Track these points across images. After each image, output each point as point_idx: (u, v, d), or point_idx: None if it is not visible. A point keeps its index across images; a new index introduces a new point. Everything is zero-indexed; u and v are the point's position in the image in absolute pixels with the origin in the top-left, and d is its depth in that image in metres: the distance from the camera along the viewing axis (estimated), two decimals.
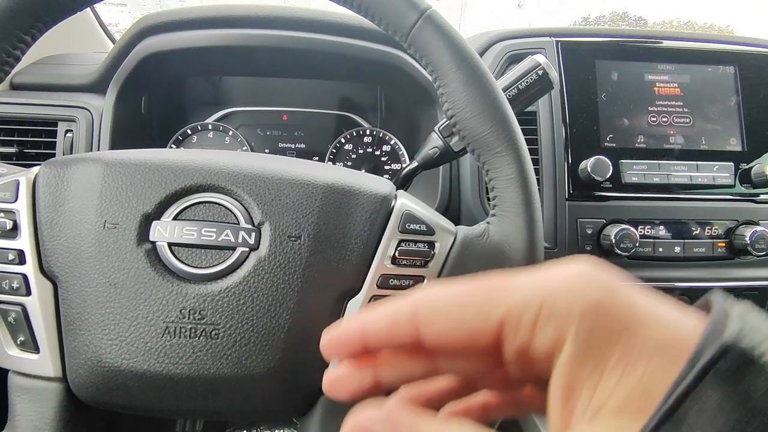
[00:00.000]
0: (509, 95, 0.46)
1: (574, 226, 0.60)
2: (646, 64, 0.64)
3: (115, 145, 0.58)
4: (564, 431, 0.15)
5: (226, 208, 0.32)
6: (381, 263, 0.33)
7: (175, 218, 0.32)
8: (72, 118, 0.57)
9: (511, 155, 0.33)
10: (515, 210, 0.34)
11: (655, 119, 0.63)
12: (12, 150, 0.56)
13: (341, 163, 0.74)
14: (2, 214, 0.32)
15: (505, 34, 0.66)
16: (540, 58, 0.47)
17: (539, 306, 0.15)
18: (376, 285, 0.33)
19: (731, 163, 0.62)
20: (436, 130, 0.49)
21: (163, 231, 0.31)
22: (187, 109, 0.74)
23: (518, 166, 0.33)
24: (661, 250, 0.61)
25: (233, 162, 0.33)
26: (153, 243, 0.31)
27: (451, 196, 0.64)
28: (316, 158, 0.74)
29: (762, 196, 0.62)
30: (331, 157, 0.74)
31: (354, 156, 0.74)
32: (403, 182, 0.53)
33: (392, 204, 0.34)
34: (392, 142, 0.74)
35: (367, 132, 0.74)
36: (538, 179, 0.53)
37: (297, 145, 0.75)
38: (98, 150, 0.57)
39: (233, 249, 0.31)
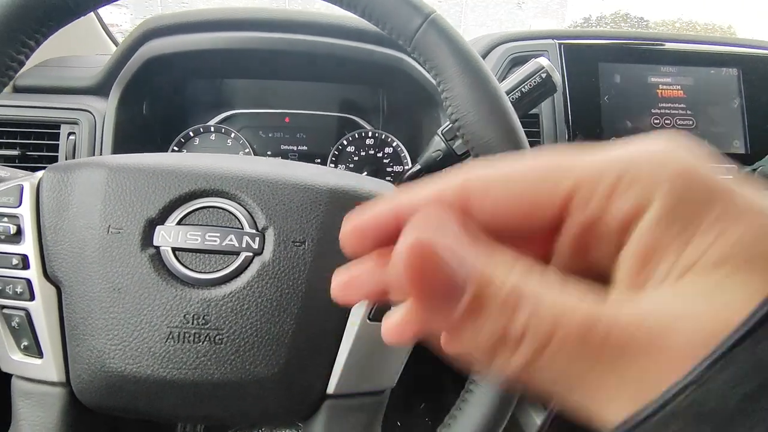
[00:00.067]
0: (512, 98, 0.46)
1: None
2: (649, 67, 0.64)
3: (117, 147, 0.58)
4: (633, 299, 0.13)
5: (230, 212, 0.32)
6: None
7: (178, 223, 0.32)
8: (75, 120, 0.57)
9: None
10: None
11: (658, 121, 0.63)
12: (15, 153, 0.56)
13: (343, 166, 0.74)
14: (6, 219, 0.32)
15: (507, 37, 0.66)
16: (543, 61, 0.47)
17: (619, 173, 0.14)
18: None
19: (734, 166, 0.62)
20: (439, 134, 0.49)
21: (167, 236, 0.31)
22: (189, 111, 0.74)
23: None
24: None
25: (237, 166, 0.33)
26: (157, 248, 0.31)
27: None
28: (318, 160, 0.74)
29: None
30: (333, 159, 0.74)
31: (356, 158, 0.74)
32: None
33: None
34: (394, 144, 0.74)
35: (369, 134, 0.74)
36: None
37: (299, 148, 0.75)
38: (101, 152, 0.57)
39: (237, 254, 0.31)
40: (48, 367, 0.32)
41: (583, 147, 0.15)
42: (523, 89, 0.47)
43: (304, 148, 0.75)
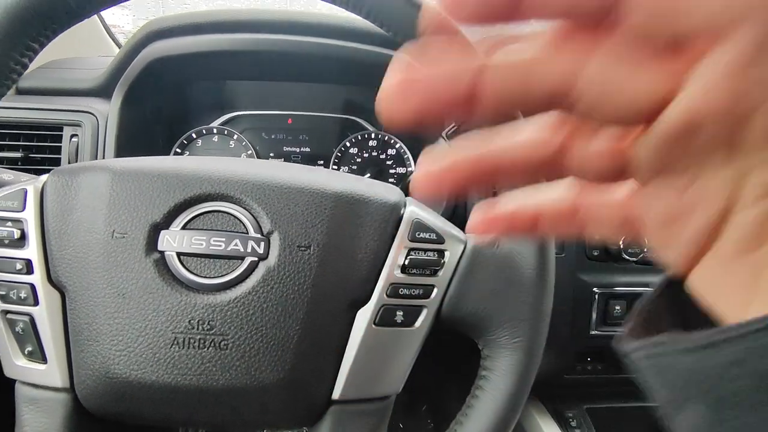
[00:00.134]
0: None
1: None
2: None
3: (120, 149, 0.58)
4: None
5: (235, 217, 0.32)
6: (391, 272, 0.32)
7: (183, 228, 0.31)
8: (77, 122, 0.57)
9: None
10: None
11: None
12: (17, 155, 0.56)
13: (346, 167, 0.73)
14: (10, 223, 0.32)
15: (510, 38, 0.66)
16: None
17: None
18: (386, 294, 0.32)
19: None
20: (443, 135, 0.49)
21: (172, 240, 0.31)
22: (191, 113, 0.74)
23: None
24: None
25: (242, 170, 0.33)
26: (162, 253, 0.31)
27: (457, 202, 0.63)
28: (321, 162, 0.74)
29: None
30: (336, 160, 0.73)
31: (359, 160, 0.74)
32: (410, 187, 0.52)
33: (402, 212, 0.34)
34: (397, 146, 0.74)
35: (373, 135, 0.74)
36: None
37: (302, 149, 0.74)
38: (104, 154, 0.57)
39: (242, 259, 0.31)
40: (52, 372, 0.31)
41: None
42: None
43: (307, 149, 0.74)
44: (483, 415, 0.33)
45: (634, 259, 0.57)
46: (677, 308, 0.15)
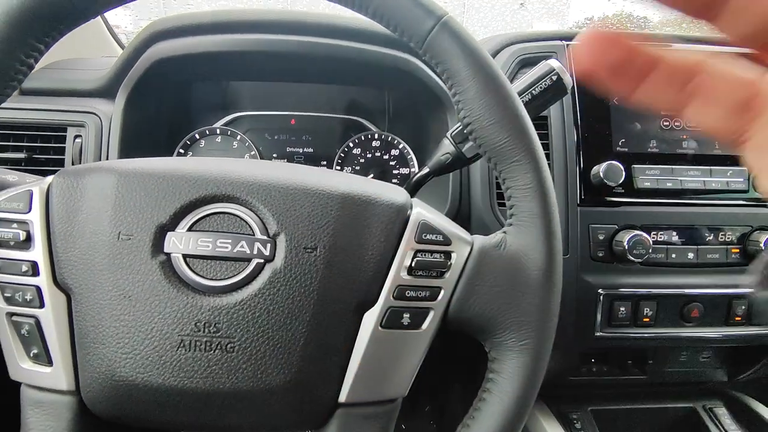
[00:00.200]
0: (523, 101, 0.46)
1: (586, 231, 0.60)
2: None
3: (124, 149, 0.58)
4: None
5: (242, 219, 0.32)
6: (397, 274, 0.32)
7: (189, 229, 0.31)
8: (81, 123, 0.57)
9: (529, 164, 0.33)
10: (533, 220, 0.33)
11: (667, 123, 0.62)
12: (21, 155, 0.56)
13: (349, 168, 0.73)
14: (15, 225, 0.31)
15: (515, 38, 0.66)
16: (554, 63, 0.46)
17: None
18: (393, 296, 0.32)
19: (745, 168, 0.62)
20: (448, 136, 0.49)
21: (178, 242, 0.31)
22: (195, 113, 0.73)
23: (536, 176, 0.33)
24: (674, 256, 0.60)
25: (248, 172, 0.33)
26: (168, 255, 0.31)
27: (461, 202, 0.63)
28: (324, 162, 0.74)
29: None
30: (339, 161, 0.73)
31: (362, 160, 0.73)
32: (415, 188, 0.52)
33: (408, 213, 0.34)
34: (401, 147, 0.74)
35: (376, 136, 0.74)
36: None
37: (305, 150, 0.74)
38: (107, 155, 0.57)
39: (248, 260, 0.31)
40: (57, 375, 0.31)
41: None
42: (533, 91, 0.46)
43: (310, 150, 0.74)
44: (490, 418, 0.32)
45: (639, 260, 0.57)
46: None
